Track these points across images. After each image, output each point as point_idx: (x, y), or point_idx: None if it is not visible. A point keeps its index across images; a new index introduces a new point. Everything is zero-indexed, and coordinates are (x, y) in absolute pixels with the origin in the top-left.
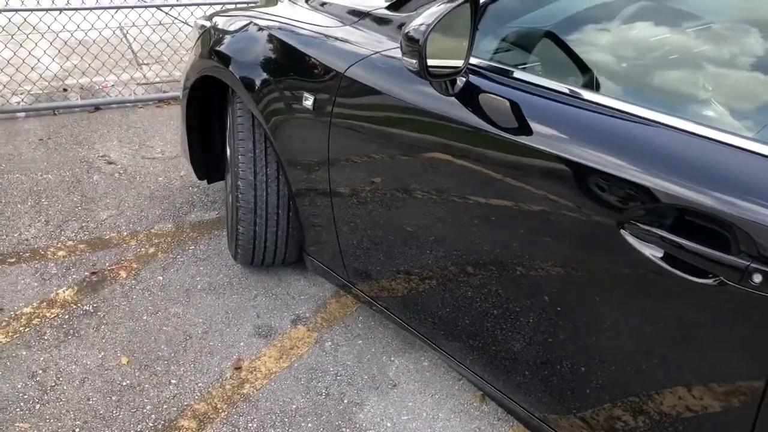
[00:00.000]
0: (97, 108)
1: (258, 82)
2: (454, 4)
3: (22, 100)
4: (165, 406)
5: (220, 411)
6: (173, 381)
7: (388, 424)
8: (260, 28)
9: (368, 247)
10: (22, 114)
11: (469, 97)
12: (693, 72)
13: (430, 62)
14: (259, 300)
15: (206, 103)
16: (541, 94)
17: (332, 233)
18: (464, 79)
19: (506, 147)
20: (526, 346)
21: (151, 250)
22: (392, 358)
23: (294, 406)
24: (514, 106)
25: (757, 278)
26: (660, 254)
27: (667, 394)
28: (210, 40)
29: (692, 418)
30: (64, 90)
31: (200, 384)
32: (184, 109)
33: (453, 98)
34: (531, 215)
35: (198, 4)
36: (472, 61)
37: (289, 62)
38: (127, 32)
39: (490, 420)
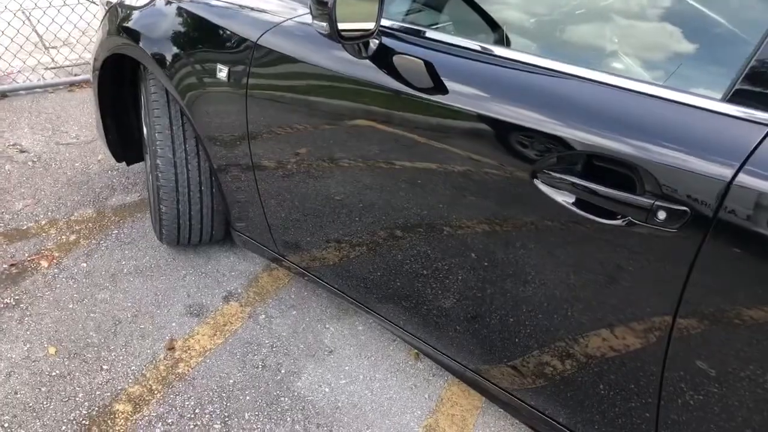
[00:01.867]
0: (3, 95)
1: (170, 57)
2: None
3: None
4: (98, 393)
5: (156, 392)
6: (105, 367)
7: (326, 390)
8: (169, 2)
9: (296, 218)
10: None
11: (383, 59)
12: (600, 25)
13: (341, 25)
14: (188, 279)
15: (118, 83)
16: (453, 52)
17: (258, 207)
18: (377, 41)
19: (422, 108)
20: (456, 302)
21: (72, 237)
22: (327, 326)
23: (231, 381)
24: (428, 65)
25: (662, 215)
26: (572, 200)
27: (591, 335)
28: (117, 16)
29: (615, 357)
30: None
31: (133, 367)
32: (96, 90)
33: (367, 61)
34: (453, 174)
35: None
36: (385, 23)
37: (201, 34)
38: (30, 14)
39: (426, 376)
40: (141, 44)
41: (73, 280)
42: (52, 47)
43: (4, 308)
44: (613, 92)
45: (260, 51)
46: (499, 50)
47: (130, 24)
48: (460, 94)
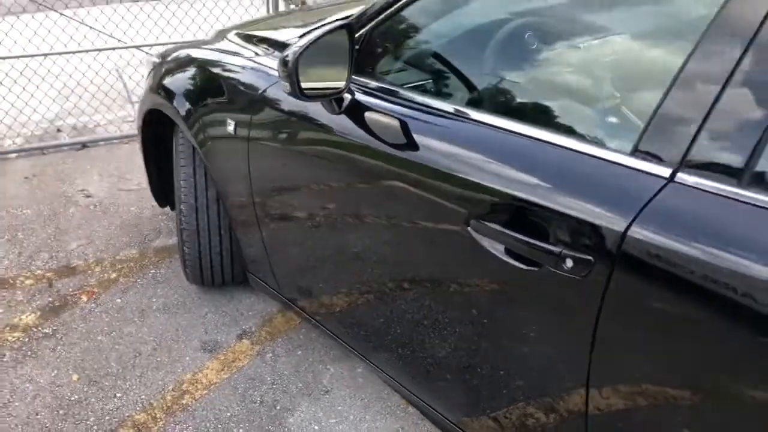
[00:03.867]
0: (84, 145)
1: (193, 112)
2: (327, 29)
3: (13, 141)
4: (107, 418)
5: (159, 420)
6: (118, 394)
7: (316, 427)
8: (195, 61)
9: (295, 265)
10: (14, 155)
11: (356, 114)
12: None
13: (307, 84)
14: (209, 317)
15: (161, 134)
16: (421, 110)
17: (263, 253)
18: (350, 98)
19: (388, 160)
20: (432, 353)
21: (114, 275)
22: (328, 366)
23: (228, 414)
24: (398, 121)
25: (569, 263)
26: (501, 248)
27: (527, 378)
28: (158, 74)
29: (543, 400)
30: (58, 131)
31: (143, 396)
32: (140, 141)
33: (342, 116)
34: (406, 225)
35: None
36: (365, 81)
37: (216, 91)
38: (123, 71)
39: (414, 420)
40: (174, 102)
41: (106, 314)
42: (136, 102)
43: (43, 337)
44: (536, 145)
45: (260, 104)
46: (454, 107)
47: (166, 82)
48: (418, 148)
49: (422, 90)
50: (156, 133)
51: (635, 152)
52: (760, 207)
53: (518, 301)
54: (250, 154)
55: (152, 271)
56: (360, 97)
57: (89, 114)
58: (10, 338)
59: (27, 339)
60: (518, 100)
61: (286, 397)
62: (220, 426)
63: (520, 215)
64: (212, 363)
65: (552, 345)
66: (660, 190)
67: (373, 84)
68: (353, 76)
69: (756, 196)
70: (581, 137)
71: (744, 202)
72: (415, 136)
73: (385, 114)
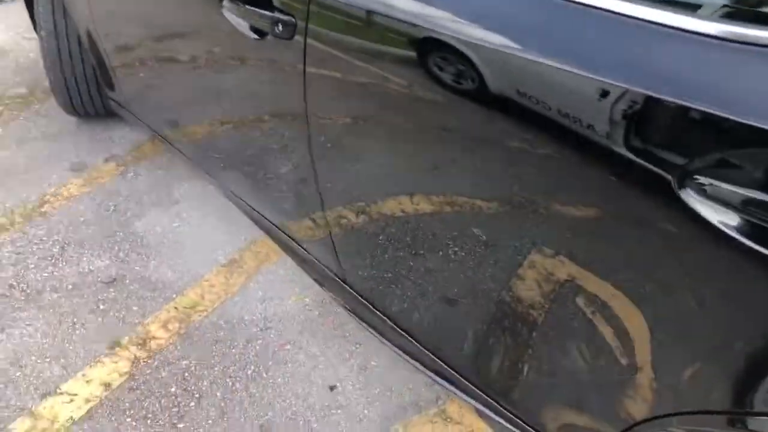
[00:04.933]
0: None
1: None
2: None
3: None
4: None
5: (16, 224)
6: None
7: (158, 229)
8: None
9: (137, 88)
10: None
11: None
12: None
13: None
14: (82, 144)
15: None
16: None
17: (119, 83)
18: None
19: None
20: (263, 164)
21: (0, 109)
22: (183, 183)
23: (82, 219)
24: None
25: (280, 27)
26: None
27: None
28: None
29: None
30: None
31: (7, 205)
32: None
33: None
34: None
35: None
36: None
37: None
38: None
39: (247, 222)
40: None
41: None
42: None
43: None
44: None
45: None
46: None
47: None
48: None
49: None
50: None
51: None
52: None
53: (261, 75)
54: None
55: (36, 107)
56: None
57: None
58: None
59: None
60: None
61: (138, 207)
62: (71, 228)
63: None
64: (76, 180)
65: (284, 127)
66: None
67: None
68: None
69: None
70: None
71: None
72: None
73: None
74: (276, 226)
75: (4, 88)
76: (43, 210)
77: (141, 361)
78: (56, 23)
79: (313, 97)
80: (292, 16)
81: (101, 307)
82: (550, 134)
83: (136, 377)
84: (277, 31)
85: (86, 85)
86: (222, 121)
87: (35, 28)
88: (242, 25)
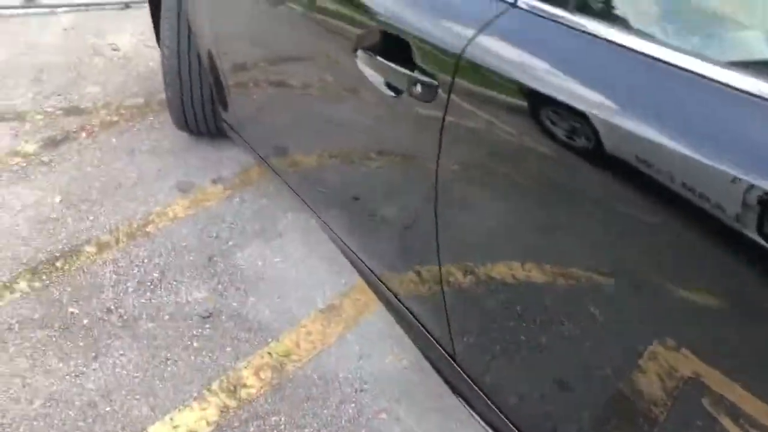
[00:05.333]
0: (127, 5)
1: None
2: None
3: None
4: (77, 235)
5: (120, 242)
6: (91, 218)
7: (259, 263)
8: None
9: (255, 118)
10: (61, 9)
11: None
12: None
13: None
14: (191, 162)
15: None
16: None
17: (233, 107)
18: None
19: None
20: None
21: (116, 118)
22: (287, 214)
23: (184, 244)
24: None
25: (419, 87)
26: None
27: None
28: None
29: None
30: None
31: (113, 222)
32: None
33: None
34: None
35: None
36: None
37: None
38: None
39: (350, 267)
40: None
41: (99, 151)
42: None
43: (39, 164)
44: None
45: None
46: None
47: None
48: None
49: None
50: None
51: None
52: (589, 33)
53: (388, 130)
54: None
55: (151, 119)
56: None
57: None
58: (10, 162)
59: (25, 164)
60: None
61: (241, 237)
62: (173, 251)
63: (386, 42)
64: (182, 200)
65: (407, 178)
66: (501, 14)
67: None
68: None
69: (585, 22)
70: None
71: (575, 29)
72: None
73: None
74: (375, 275)
75: (122, 98)
76: (147, 230)
77: (230, 410)
78: (179, 42)
79: (448, 155)
80: (434, 77)
81: (195, 344)
82: (685, 214)
83: (224, 429)
84: (416, 92)
85: (201, 105)
86: (331, 155)
87: (157, 38)
88: (375, 79)
